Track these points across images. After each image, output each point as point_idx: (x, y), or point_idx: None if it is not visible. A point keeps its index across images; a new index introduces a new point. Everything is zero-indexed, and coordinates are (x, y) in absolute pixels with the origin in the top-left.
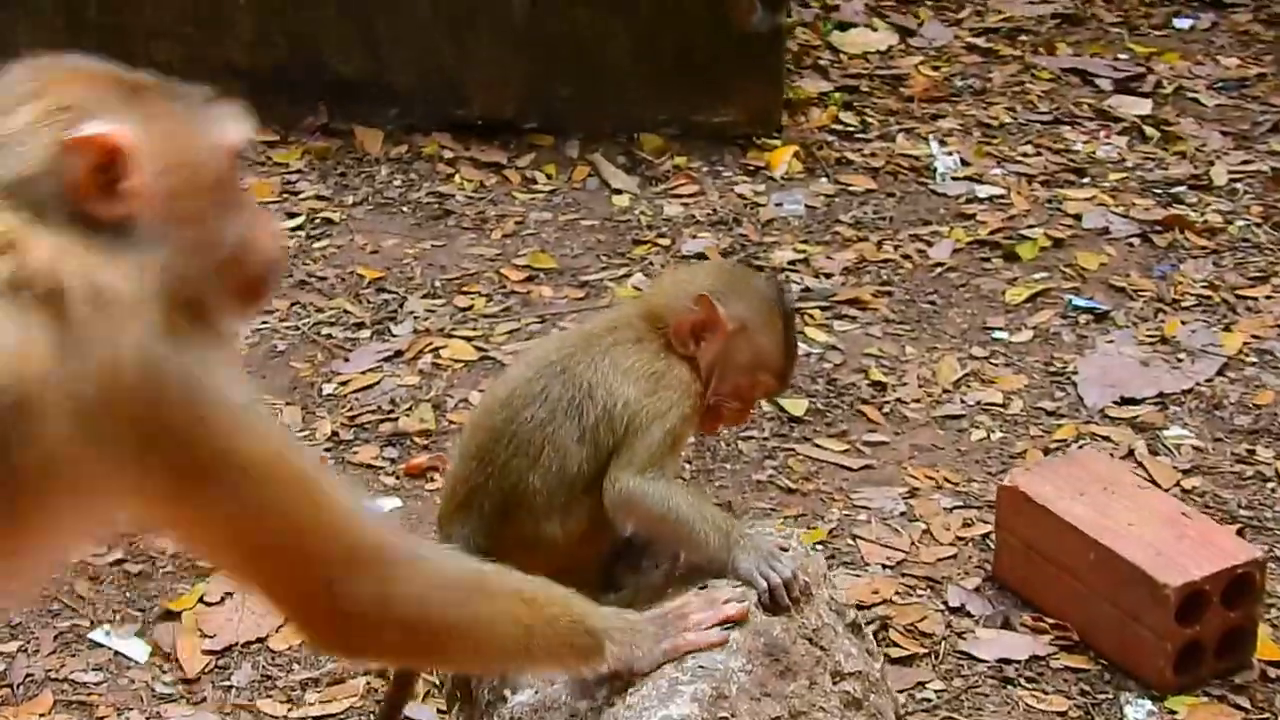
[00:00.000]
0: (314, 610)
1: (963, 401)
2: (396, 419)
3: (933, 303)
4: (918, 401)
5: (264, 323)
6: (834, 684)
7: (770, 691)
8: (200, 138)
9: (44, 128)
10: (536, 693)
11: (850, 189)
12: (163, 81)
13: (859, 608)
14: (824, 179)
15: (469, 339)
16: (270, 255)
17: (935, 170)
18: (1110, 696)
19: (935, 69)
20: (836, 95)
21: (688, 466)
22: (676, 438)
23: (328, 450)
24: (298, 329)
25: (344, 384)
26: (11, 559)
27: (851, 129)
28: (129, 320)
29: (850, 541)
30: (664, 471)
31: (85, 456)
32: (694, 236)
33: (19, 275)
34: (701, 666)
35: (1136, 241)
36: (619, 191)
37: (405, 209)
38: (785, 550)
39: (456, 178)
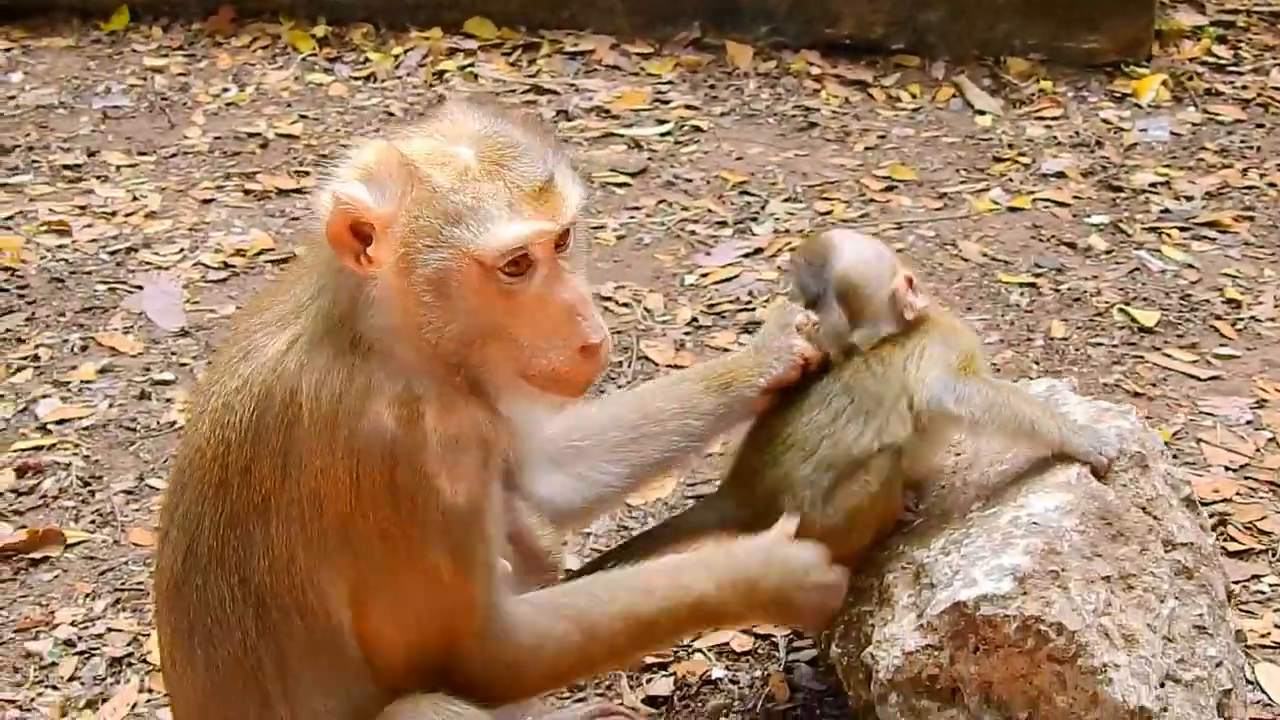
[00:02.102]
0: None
1: None
2: (753, 309)
3: None
4: (1273, 320)
5: (631, 217)
6: (1165, 552)
7: (1101, 552)
8: (453, 241)
9: (338, 178)
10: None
11: (1219, 118)
12: (487, 162)
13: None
14: (1191, 108)
15: None
16: (545, 363)
17: None
18: None
19: None
20: (1211, 29)
21: (1035, 367)
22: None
23: (686, 334)
24: (663, 224)
25: (704, 275)
26: None
27: (1224, 62)
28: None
29: (1194, 444)
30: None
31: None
32: (1054, 157)
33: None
34: (1035, 523)
35: None
36: (982, 112)
37: (771, 120)
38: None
39: (823, 93)
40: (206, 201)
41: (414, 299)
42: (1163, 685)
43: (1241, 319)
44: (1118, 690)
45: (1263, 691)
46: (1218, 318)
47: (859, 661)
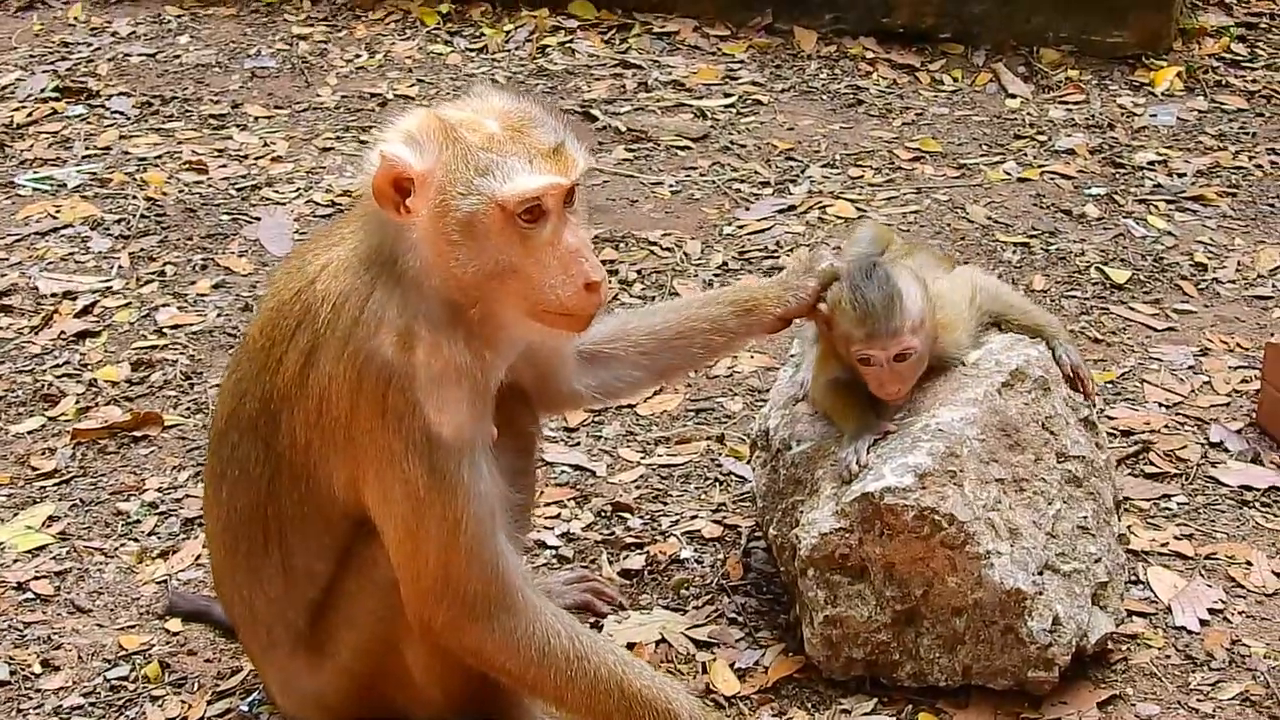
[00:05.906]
0: (419, 615)
1: (1275, 286)
2: (778, 256)
3: (1272, 206)
4: (1233, 283)
5: (687, 175)
6: (1058, 462)
7: (998, 459)
8: (481, 190)
9: (384, 140)
10: (812, 444)
11: (1223, 107)
12: (511, 127)
13: (1126, 434)
14: (1200, 97)
15: (853, 201)
16: (554, 299)
17: None
18: None
19: None
20: (1234, 29)
21: None
22: None
23: (716, 276)
24: (713, 182)
25: (741, 227)
26: None
27: (1240, 58)
28: (363, 328)
29: (1137, 384)
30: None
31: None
32: (1068, 135)
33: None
34: (941, 430)
35: None
36: (1013, 96)
37: (825, 97)
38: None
39: (874, 75)
40: (325, 150)
41: (445, 240)
42: (1041, 573)
43: (1205, 280)
44: (998, 574)
45: (1150, 590)
46: (1183, 278)
47: (788, 541)
